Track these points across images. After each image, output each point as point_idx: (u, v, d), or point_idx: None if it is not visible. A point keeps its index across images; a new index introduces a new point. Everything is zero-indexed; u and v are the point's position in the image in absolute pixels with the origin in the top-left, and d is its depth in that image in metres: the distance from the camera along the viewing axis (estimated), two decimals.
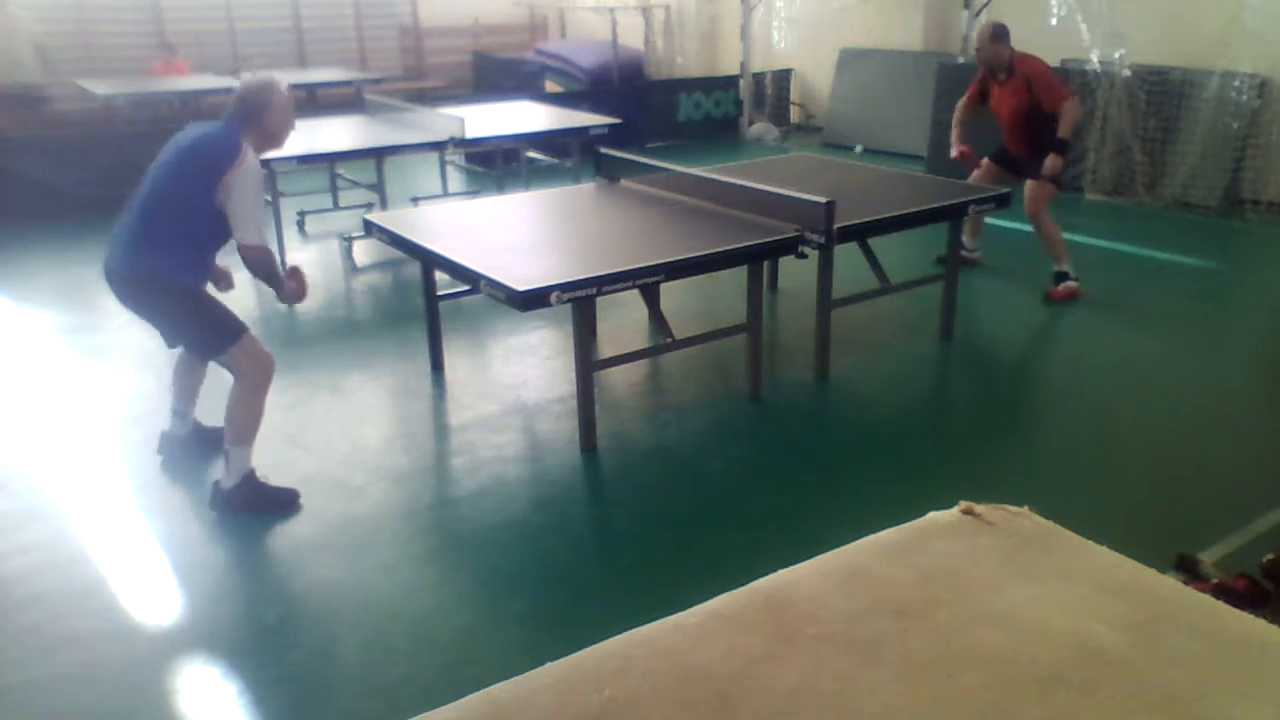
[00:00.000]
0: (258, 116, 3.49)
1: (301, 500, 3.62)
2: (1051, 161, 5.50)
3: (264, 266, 3.54)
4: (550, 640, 2.84)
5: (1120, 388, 4.62)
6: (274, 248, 6.55)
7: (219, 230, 3.47)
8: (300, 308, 5.77)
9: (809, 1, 11.27)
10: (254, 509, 3.55)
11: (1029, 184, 5.68)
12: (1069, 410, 4.45)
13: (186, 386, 3.95)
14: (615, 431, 4.17)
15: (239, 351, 3.51)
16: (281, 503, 3.60)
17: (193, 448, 3.95)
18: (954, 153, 5.91)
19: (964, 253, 6.09)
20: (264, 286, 3.72)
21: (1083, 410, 4.44)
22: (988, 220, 6.88)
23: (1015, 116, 5.68)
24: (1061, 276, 5.72)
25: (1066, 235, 6.71)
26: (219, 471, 3.65)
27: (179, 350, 3.87)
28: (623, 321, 5.38)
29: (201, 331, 3.53)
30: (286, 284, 3.65)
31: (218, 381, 3.76)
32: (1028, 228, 6.82)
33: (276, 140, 3.61)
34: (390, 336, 5.33)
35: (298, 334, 5.43)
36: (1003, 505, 1.43)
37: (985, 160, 6.00)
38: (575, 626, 2.91)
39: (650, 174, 5.15)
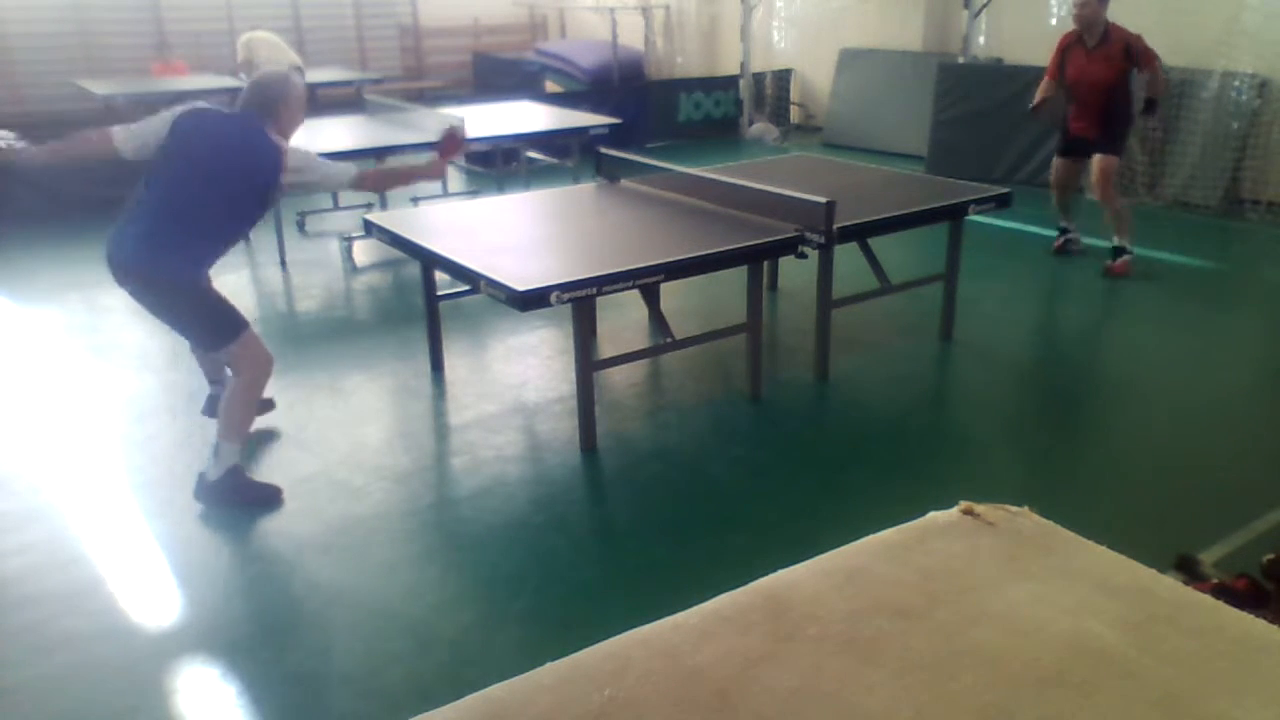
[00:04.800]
0: (274, 108, 3.54)
1: (284, 498, 3.61)
2: (1151, 121, 6.06)
3: (382, 184, 3.80)
4: (550, 640, 2.84)
5: (1120, 387, 4.63)
6: (274, 247, 6.60)
7: (243, 225, 3.60)
8: (300, 308, 5.78)
9: (809, 1, 11.27)
10: (236, 503, 3.55)
11: (1098, 159, 5.91)
12: (1069, 410, 4.45)
13: (208, 362, 4.02)
14: (615, 431, 4.17)
15: (238, 347, 3.53)
16: (263, 499, 3.59)
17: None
18: (1037, 100, 6.07)
19: (1069, 240, 6.42)
20: (266, 279, 3.75)
21: (1083, 410, 4.44)
22: (985, 220, 6.89)
23: (1103, 85, 5.77)
24: (1121, 251, 6.00)
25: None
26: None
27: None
28: (623, 321, 5.38)
29: (201, 325, 3.56)
30: (432, 165, 3.91)
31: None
32: (1026, 228, 6.82)
33: (287, 134, 3.64)
34: (390, 336, 5.33)
35: (298, 334, 5.43)
36: (1003, 505, 1.43)
37: (1056, 160, 6.24)
38: (575, 626, 2.91)
39: (650, 174, 5.15)
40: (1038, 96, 6.10)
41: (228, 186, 3.45)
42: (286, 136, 3.63)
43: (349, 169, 3.65)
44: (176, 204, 3.43)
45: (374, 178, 3.71)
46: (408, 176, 3.88)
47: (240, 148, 3.48)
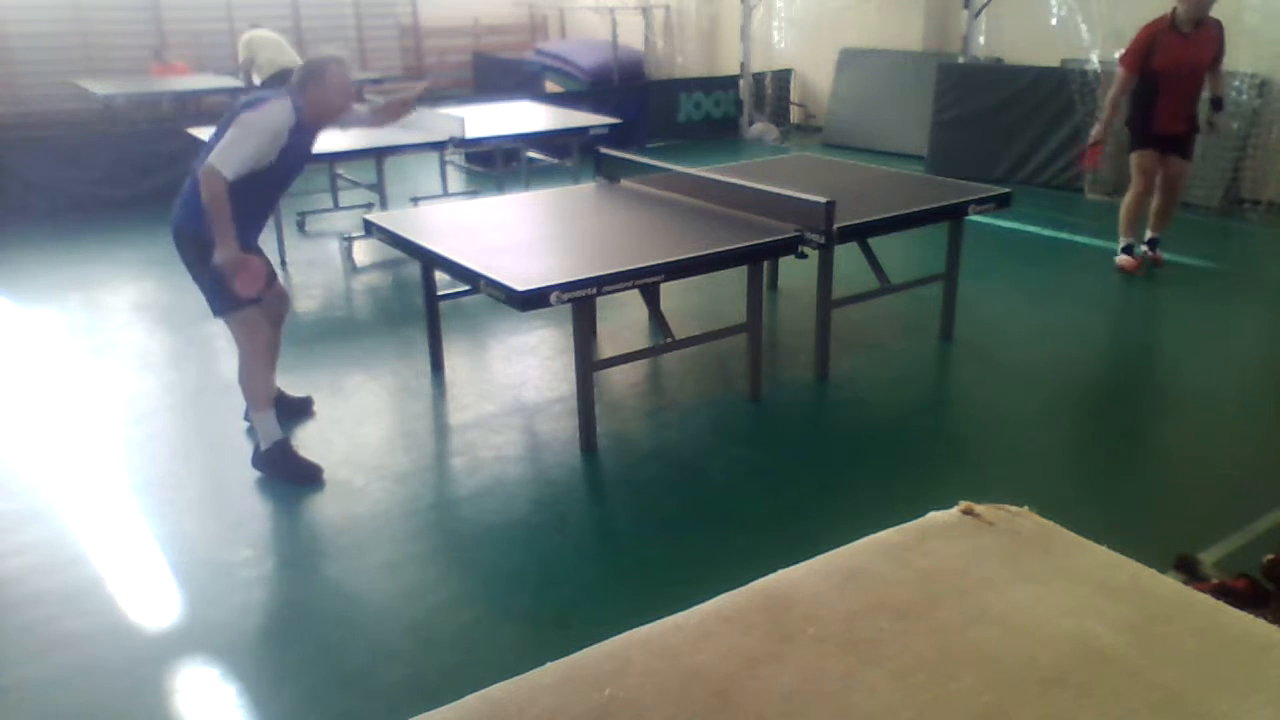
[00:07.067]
0: (303, 85, 3.67)
1: (324, 477, 3.78)
2: (1224, 121, 5.95)
3: (211, 196, 3.34)
4: (550, 640, 2.84)
5: (1120, 388, 4.62)
6: (274, 247, 6.60)
7: (265, 186, 3.63)
8: (301, 308, 5.78)
9: (809, 1, 11.28)
10: (280, 474, 3.77)
11: (1182, 164, 5.89)
12: (1069, 410, 4.45)
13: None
14: (615, 431, 4.17)
15: (239, 318, 3.67)
16: (305, 475, 3.78)
17: (280, 414, 3.98)
18: (1093, 138, 5.91)
19: (1146, 251, 6.17)
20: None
21: (1083, 410, 4.44)
22: (984, 220, 6.89)
23: (1198, 71, 5.61)
24: (1155, 243, 6.13)
25: (1066, 236, 6.74)
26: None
27: None
28: (623, 321, 5.38)
29: (215, 286, 3.60)
30: (228, 259, 3.41)
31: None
32: (1026, 228, 6.83)
33: (322, 112, 3.73)
34: (390, 336, 5.33)
35: (298, 334, 5.42)
36: (1003, 505, 1.43)
37: (1144, 153, 5.90)
38: (575, 626, 2.91)
39: (650, 174, 5.14)
40: (1110, 108, 5.80)
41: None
42: (323, 114, 3.74)
43: (227, 168, 3.35)
44: (197, 165, 3.58)
45: (217, 187, 3.35)
46: (218, 220, 3.40)
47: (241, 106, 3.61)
